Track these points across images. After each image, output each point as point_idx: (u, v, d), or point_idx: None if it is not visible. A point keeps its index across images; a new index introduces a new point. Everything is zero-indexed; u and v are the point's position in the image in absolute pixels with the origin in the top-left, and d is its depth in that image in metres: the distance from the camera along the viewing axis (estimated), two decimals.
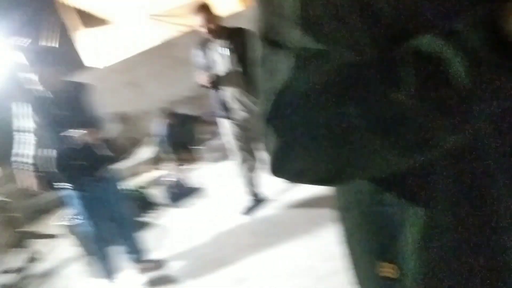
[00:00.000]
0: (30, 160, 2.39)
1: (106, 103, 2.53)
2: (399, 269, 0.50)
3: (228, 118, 3.02)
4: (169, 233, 3.43)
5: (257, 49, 0.49)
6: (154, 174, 5.16)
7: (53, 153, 2.33)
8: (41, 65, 2.21)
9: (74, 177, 2.36)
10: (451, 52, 0.34)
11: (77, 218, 2.65)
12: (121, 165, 5.30)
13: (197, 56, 2.96)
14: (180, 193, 4.12)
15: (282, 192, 3.28)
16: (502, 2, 0.32)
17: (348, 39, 0.42)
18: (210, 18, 2.80)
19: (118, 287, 2.74)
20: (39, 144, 2.38)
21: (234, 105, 2.96)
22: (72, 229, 2.91)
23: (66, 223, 2.96)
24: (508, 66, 0.32)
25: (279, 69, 0.45)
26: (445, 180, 0.45)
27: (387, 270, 0.52)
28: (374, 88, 0.38)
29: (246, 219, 3.13)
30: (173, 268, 2.82)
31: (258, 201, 3.22)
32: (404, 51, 0.37)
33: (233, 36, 2.85)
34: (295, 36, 0.44)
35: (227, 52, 2.84)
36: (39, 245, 4.01)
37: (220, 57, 2.87)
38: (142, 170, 5.37)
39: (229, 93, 2.94)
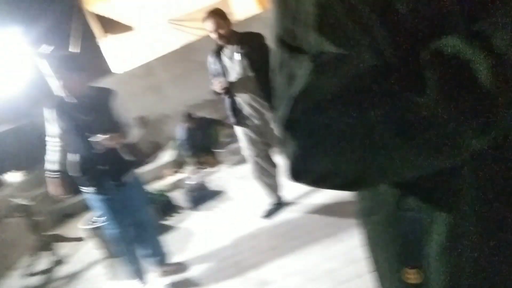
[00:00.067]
0: (57, 167, 2.46)
1: (127, 107, 2.56)
2: (423, 274, 0.50)
3: (241, 124, 3.00)
4: (191, 236, 3.46)
5: (275, 54, 0.49)
6: (175, 177, 5.21)
7: (77, 157, 2.39)
8: (65, 72, 2.27)
9: (98, 181, 2.41)
10: (476, 54, 0.33)
11: (102, 222, 2.71)
12: (144, 169, 5.41)
13: (211, 62, 2.94)
14: (201, 196, 4.15)
15: (302, 196, 3.26)
16: None
17: (369, 42, 0.42)
18: (220, 23, 2.74)
19: None
20: (65, 149, 2.45)
21: (247, 111, 2.93)
22: (97, 232, 2.97)
23: (91, 226, 3.02)
24: None
25: (298, 74, 0.45)
26: (472, 184, 0.44)
27: (413, 276, 0.51)
28: (397, 92, 0.38)
29: (267, 222, 3.12)
30: (195, 271, 2.84)
31: (278, 204, 3.21)
32: (427, 54, 0.36)
33: (245, 41, 2.81)
34: (313, 40, 0.44)
35: (239, 57, 2.80)
36: (65, 248, 4.10)
37: (232, 63, 2.85)
38: (164, 173, 5.44)
39: (241, 99, 2.92)
